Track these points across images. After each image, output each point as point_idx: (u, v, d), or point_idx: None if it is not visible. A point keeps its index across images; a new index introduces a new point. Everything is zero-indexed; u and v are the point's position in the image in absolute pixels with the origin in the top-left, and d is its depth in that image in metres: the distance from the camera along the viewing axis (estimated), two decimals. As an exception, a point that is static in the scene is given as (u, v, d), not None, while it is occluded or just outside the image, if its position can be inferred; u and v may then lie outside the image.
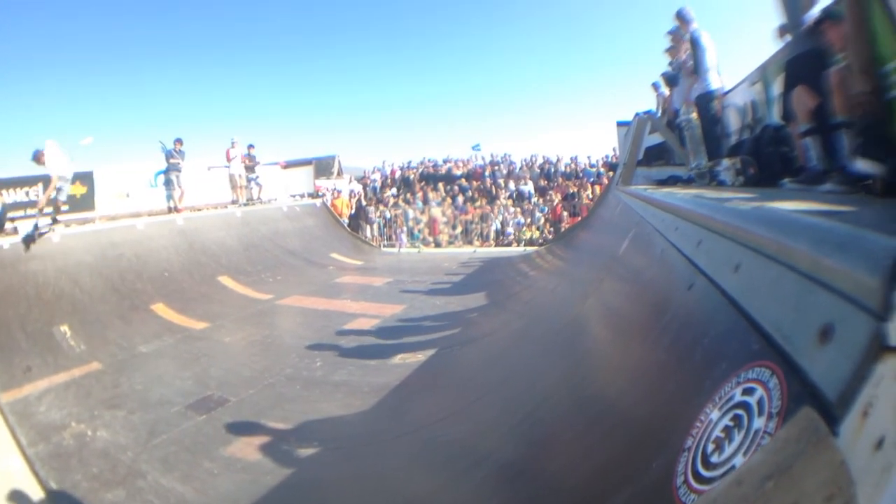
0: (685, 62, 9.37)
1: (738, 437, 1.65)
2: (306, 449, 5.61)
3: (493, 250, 21.50)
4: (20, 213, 15.28)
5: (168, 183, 17.22)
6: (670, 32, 10.22)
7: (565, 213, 22.88)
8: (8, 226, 13.09)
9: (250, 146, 20.62)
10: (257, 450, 5.70)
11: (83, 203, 16.76)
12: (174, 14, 73.08)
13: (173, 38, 75.81)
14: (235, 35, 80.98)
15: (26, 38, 66.33)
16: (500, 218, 23.92)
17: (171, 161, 17.17)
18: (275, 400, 6.97)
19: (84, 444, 6.02)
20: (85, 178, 17.01)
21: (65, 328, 9.54)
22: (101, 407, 6.94)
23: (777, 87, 7.45)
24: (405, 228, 24.54)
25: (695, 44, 8.67)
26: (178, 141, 17.42)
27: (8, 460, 5.19)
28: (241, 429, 6.20)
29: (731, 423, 1.73)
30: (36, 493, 4.79)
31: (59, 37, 70.75)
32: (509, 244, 22.67)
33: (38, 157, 12.77)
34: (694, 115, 9.16)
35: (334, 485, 4.93)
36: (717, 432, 1.78)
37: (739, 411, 1.72)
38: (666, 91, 12.31)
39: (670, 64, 10.95)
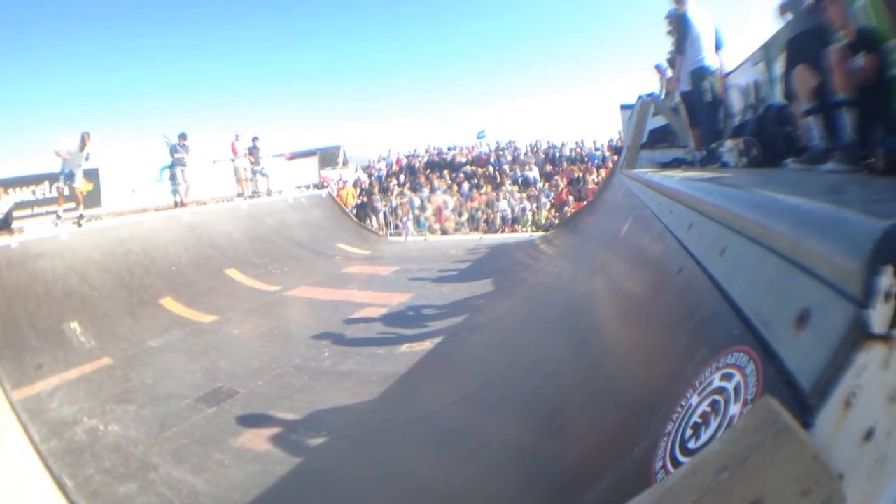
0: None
1: (714, 423, 1.65)
2: (315, 438, 5.65)
3: (499, 236, 21.44)
4: (27, 211, 15.34)
5: (173, 178, 17.27)
6: (668, 16, 10.17)
7: (570, 198, 22.82)
8: (15, 224, 13.18)
9: (255, 139, 20.63)
10: (267, 440, 5.74)
11: (90, 199, 16.78)
12: (177, 8, 73.13)
13: (176, 33, 75.80)
14: (239, 28, 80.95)
15: (29, 36, 66.47)
16: (507, 204, 23.87)
17: (176, 156, 17.21)
18: (283, 391, 7.02)
19: (96, 438, 6.08)
20: (91, 174, 17.04)
21: (75, 325, 9.61)
22: (112, 402, 7.00)
23: (779, 67, 7.42)
24: (411, 217, 24.49)
25: (678, 21, 8.59)
26: (183, 136, 17.46)
27: (21, 457, 5.24)
28: (251, 420, 6.25)
29: (708, 409, 1.73)
30: (49, 489, 4.85)
31: (61, 35, 70.85)
32: (514, 230, 22.64)
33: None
34: (678, 99, 9.12)
35: (343, 473, 4.98)
36: (696, 418, 1.78)
37: (717, 397, 1.72)
38: (669, 73, 12.26)
39: (673, 44, 10.90)
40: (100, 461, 5.54)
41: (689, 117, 9.16)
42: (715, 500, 1.10)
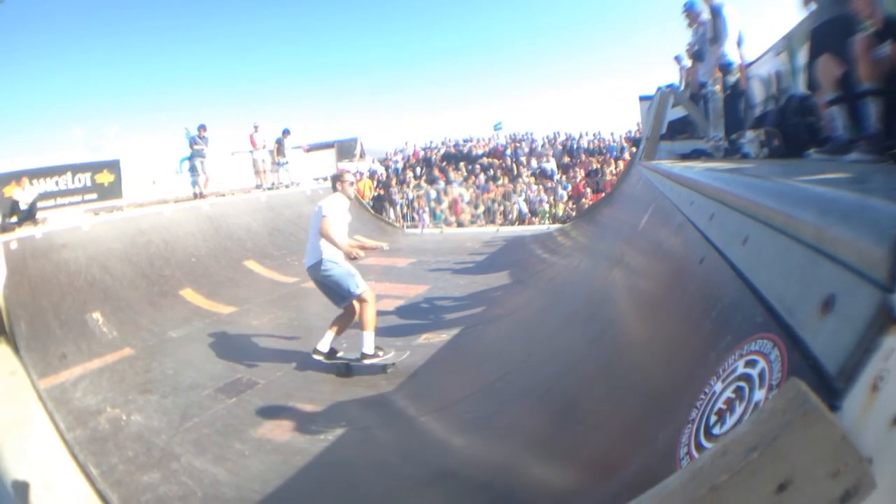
0: (707, 34, 9.29)
1: (739, 409, 1.66)
2: (334, 429, 5.66)
3: (515, 229, 21.33)
4: (51, 202, 15.45)
5: (193, 169, 17.38)
6: (686, 7, 10.12)
7: (588, 190, 22.73)
8: (39, 215, 13.31)
9: (285, 131, 20.80)
10: (286, 431, 5.79)
11: (111, 191, 16.91)
12: (198, 2, 73.44)
13: (196, 26, 76.06)
14: (257, 21, 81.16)
15: (51, 30, 66.93)
16: (524, 196, 23.79)
17: (195, 147, 17.31)
18: (302, 382, 7.07)
19: (119, 428, 6.16)
20: (112, 166, 17.16)
21: (97, 315, 9.70)
22: (135, 392, 7.09)
23: (802, 57, 7.36)
24: (427, 209, 24.46)
25: (715, 13, 8.58)
26: (202, 127, 17.55)
27: (48, 445, 5.31)
28: (271, 411, 6.29)
29: (732, 396, 1.73)
30: (76, 476, 4.91)
31: (83, 28, 71.27)
32: (531, 222, 22.55)
33: None
34: (718, 86, 9.07)
35: (362, 464, 5.00)
36: (720, 404, 1.78)
37: (741, 383, 1.72)
38: (688, 64, 12.17)
39: (693, 35, 10.83)
40: (123, 450, 5.61)
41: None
42: (745, 480, 1.10)
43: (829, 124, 5.49)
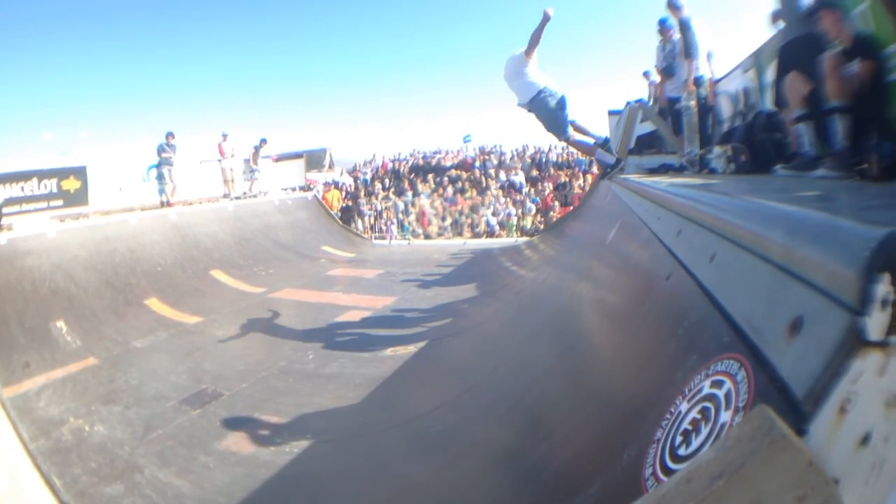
0: (677, 48, 9.40)
1: (705, 430, 1.65)
2: (300, 441, 5.62)
3: (483, 241, 21.44)
4: (16, 208, 15.23)
5: (160, 177, 17.24)
6: (660, 24, 10.24)
7: (556, 203, 22.86)
8: (4, 221, 13.11)
9: (263, 140, 21.17)
10: (251, 443, 5.73)
11: (77, 198, 16.71)
12: (166, 9, 73.10)
13: (165, 34, 75.72)
14: (227, 31, 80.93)
15: (19, 35, 66.19)
16: (492, 209, 23.90)
17: (163, 155, 17.18)
18: (268, 393, 6.99)
19: (82, 439, 6.05)
20: (79, 172, 16.96)
21: (61, 324, 9.56)
22: (98, 402, 6.97)
23: (770, 74, 7.47)
24: (395, 220, 24.51)
25: (685, 27, 8.68)
26: (170, 135, 17.41)
27: (12, 456, 5.22)
28: (235, 423, 6.22)
29: (698, 416, 1.73)
30: (40, 488, 4.82)
31: (50, 34, 70.65)
32: (497, 235, 22.65)
33: None
34: (693, 101, 9.15)
35: (328, 477, 4.96)
36: (686, 424, 1.78)
37: (707, 404, 1.72)
38: (657, 79, 12.29)
39: (662, 50, 10.93)
40: (86, 462, 5.52)
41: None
42: (710, 508, 1.10)
43: (796, 141, 5.57)
